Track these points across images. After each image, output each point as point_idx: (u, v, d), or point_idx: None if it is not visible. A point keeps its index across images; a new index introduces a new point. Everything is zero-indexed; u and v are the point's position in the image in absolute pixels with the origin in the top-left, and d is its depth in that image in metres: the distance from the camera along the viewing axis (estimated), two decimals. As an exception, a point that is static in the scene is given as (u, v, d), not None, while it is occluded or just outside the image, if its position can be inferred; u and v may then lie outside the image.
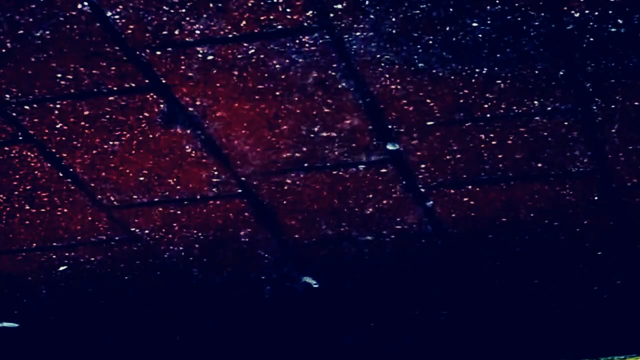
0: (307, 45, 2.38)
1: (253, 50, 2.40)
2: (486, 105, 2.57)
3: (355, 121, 2.63)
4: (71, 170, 2.81)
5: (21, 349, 3.77)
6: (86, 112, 2.59)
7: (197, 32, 2.34)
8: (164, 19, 2.31)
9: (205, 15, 2.30)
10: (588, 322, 3.54)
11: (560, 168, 2.79)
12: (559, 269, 3.28)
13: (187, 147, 2.72)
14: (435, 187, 2.88)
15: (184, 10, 2.29)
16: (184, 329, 3.64)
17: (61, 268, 3.26)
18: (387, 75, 2.47)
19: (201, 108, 2.58)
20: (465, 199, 2.93)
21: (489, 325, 3.58)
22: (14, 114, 2.60)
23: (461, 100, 2.55)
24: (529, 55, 2.40)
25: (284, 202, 2.95)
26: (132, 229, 3.07)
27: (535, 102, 2.55)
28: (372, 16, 2.30)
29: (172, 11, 2.29)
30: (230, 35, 2.36)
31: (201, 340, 3.71)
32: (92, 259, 3.21)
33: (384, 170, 2.82)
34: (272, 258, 3.22)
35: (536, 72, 2.45)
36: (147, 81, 2.50)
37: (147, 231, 3.08)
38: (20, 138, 2.69)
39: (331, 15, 2.29)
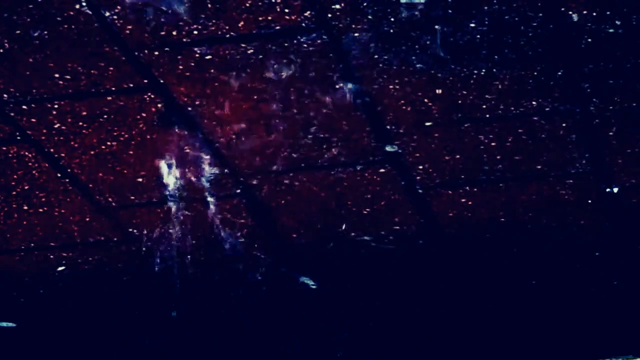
0: (305, 45, 2.38)
1: (251, 51, 2.40)
2: (484, 106, 2.57)
3: (354, 122, 2.62)
4: (69, 170, 2.80)
5: (19, 348, 3.77)
6: (84, 112, 2.59)
7: (195, 32, 2.34)
8: (162, 19, 2.31)
9: (203, 16, 2.30)
10: (585, 323, 3.54)
11: (558, 169, 2.79)
12: (556, 269, 3.28)
13: (185, 147, 2.72)
14: (433, 187, 2.88)
15: (182, 11, 2.28)
16: (181, 329, 3.64)
17: (59, 268, 3.26)
18: (385, 76, 2.47)
19: (199, 108, 2.58)
20: (463, 200, 2.93)
21: (487, 325, 3.58)
22: (12, 114, 2.60)
23: (459, 101, 2.55)
24: (527, 56, 2.40)
25: (282, 202, 2.94)
26: (130, 230, 3.07)
27: (534, 102, 2.55)
28: (370, 17, 2.30)
29: (170, 11, 2.29)
30: (228, 36, 2.36)
31: (199, 340, 3.71)
32: (90, 259, 3.21)
33: (382, 171, 2.82)
34: (269, 258, 3.22)
35: (534, 73, 2.45)
36: (145, 81, 2.49)
37: (144, 232, 3.08)
38: (18, 138, 2.69)
39: (329, 15, 2.29)
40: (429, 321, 3.57)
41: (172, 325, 3.62)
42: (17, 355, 3.78)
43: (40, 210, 2.97)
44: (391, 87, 2.50)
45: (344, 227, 3.05)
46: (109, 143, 2.70)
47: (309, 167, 2.79)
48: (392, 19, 2.30)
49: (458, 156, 2.75)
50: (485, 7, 2.26)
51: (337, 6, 2.27)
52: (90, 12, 2.28)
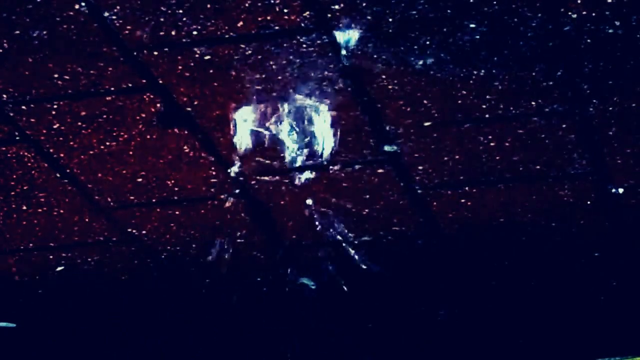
0: (304, 45, 2.38)
1: (250, 51, 2.39)
2: (484, 107, 2.57)
3: (353, 122, 2.62)
4: (68, 170, 2.80)
5: (19, 348, 3.77)
6: (83, 113, 2.59)
7: (195, 32, 2.34)
8: (162, 19, 2.31)
9: (202, 16, 2.30)
10: (585, 323, 3.54)
11: (557, 170, 2.79)
12: (555, 270, 3.28)
13: (184, 147, 2.72)
14: (432, 188, 2.87)
15: (181, 11, 2.28)
16: (180, 329, 3.64)
17: (58, 268, 3.26)
18: (384, 76, 2.47)
19: (198, 108, 2.58)
20: (462, 200, 2.93)
21: (487, 326, 3.58)
22: (11, 114, 2.60)
23: (459, 102, 2.55)
24: (526, 57, 2.40)
25: (281, 202, 2.94)
26: (129, 230, 3.07)
27: (533, 103, 2.55)
28: (369, 17, 2.29)
29: (169, 12, 2.29)
30: (228, 36, 2.35)
31: (198, 340, 3.71)
32: (89, 259, 3.21)
33: (381, 171, 2.81)
34: (269, 259, 3.22)
35: (533, 73, 2.45)
36: (144, 81, 2.49)
37: (144, 232, 3.08)
38: (17, 138, 2.69)
39: (329, 15, 2.29)
40: (429, 321, 3.56)
41: (172, 325, 3.62)
42: (17, 355, 3.78)
43: (40, 210, 2.97)
44: (390, 87, 2.50)
45: (340, 227, 3.05)
46: (108, 143, 2.70)
47: (308, 167, 2.79)
48: (391, 19, 2.30)
49: (457, 157, 2.74)
50: (485, 8, 2.26)
51: (337, 6, 2.27)
52: (89, 13, 2.28)
